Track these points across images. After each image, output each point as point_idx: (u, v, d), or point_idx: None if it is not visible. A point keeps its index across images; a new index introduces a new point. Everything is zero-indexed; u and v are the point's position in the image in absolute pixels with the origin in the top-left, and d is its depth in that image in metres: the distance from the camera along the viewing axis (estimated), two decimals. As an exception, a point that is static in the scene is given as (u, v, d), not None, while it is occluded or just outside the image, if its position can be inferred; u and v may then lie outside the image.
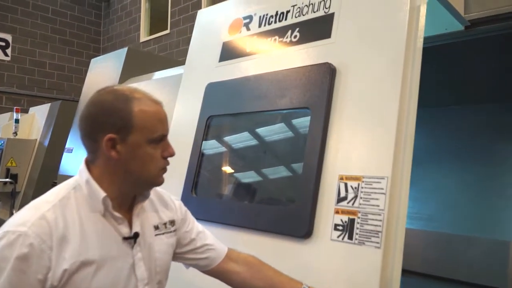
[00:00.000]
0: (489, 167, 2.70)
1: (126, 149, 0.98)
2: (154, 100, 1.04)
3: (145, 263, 1.04)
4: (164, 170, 1.05)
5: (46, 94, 9.77)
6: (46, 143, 4.87)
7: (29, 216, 0.91)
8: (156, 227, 1.12)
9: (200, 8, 8.14)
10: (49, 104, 5.27)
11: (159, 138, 1.02)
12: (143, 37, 9.71)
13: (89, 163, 1.04)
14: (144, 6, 9.75)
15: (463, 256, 2.59)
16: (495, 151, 2.71)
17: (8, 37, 9.49)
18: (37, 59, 9.93)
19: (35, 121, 5.44)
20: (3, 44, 9.38)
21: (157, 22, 9.47)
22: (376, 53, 1.41)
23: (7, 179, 4.71)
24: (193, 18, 8.70)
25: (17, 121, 5.23)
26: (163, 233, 1.13)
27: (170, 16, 8.86)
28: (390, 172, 1.25)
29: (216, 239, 1.29)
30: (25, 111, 6.27)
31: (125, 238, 1.01)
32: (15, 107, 5.41)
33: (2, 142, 5.02)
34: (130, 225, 1.05)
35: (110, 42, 10.74)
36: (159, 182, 1.05)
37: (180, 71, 2.63)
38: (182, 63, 3.43)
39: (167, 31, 8.91)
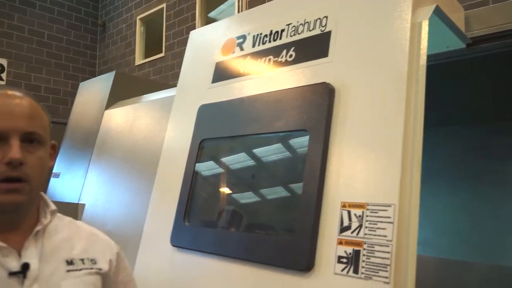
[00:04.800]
0: (484, 189, 2.60)
1: None
2: (2, 94, 0.85)
3: None
4: (2, 183, 0.80)
5: (41, 118, 9.70)
6: (37, 168, 4.74)
7: None
8: (70, 262, 0.91)
9: (195, 31, 8.17)
10: (41, 128, 5.18)
11: None
12: (138, 60, 9.71)
13: None
14: (139, 30, 9.80)
15: (461, 282, 2.46)
16: (488, 173, 2.62)
17: (4, 62, 9.51)
18: (33, 83, 9.88)
19: (27, 146, 5.33)
20: (-2, 68, 9.39)
21: (152, 45, 9.50)
22: (377, 72, 1.34)
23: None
24: (186, 42, 8.79)
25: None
26: (79, 270, 0.92)
27: (164, 39, 8.89)
28: (397, 199, 1.15)
29: None
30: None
31: (12, 274, 0.81)
32: None
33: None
34: None
35: (106, 65, 10.75)
36: None
37: (168, 93, 2.56)
38: (172, 86, 3.37)
39: (162, 54, 8.92)
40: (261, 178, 1.67)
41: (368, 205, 1.20)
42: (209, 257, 1.56)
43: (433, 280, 2.46)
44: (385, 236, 1.14)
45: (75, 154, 3.09)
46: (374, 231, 1.17)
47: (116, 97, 3.05)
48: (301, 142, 1.52)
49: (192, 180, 1.77)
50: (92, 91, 3.32)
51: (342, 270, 1.20)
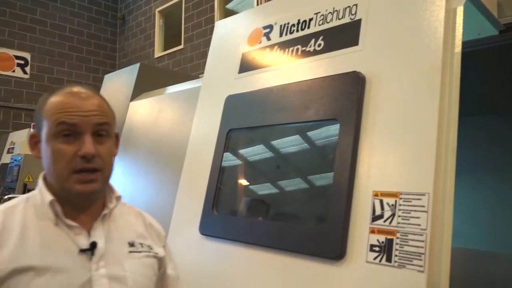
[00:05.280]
0: (511, 180, 2.55)
1: (41, 147, 0.92)
2: (73, 91, 0.93)
3: (111, 283, 0.90)
4: (78, 174, 0.88)
5: (63, 110, 9.90)
6: (63, 159, 4.87)
7: None
8: (131, 244, 0.99)
9: (213, 23, 8.19)
10: (66, 120, 5.30)
11: (61, 131, 0.88)
12: (158, 52, 9.80)
13: None
14: (158, 23, 9.87)
15: (489, 272, 2.44)
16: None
17: (27, 56, 9.74)
18: (55, 76, 10.10)
19: (52, 137, 5.47)
20: (22, 62, 9.63)
21: (171, 37, 9.56)
22: (410, 60, 1.32)
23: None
24: (206, 33, 8.75)
25: (34, 137, 5.26)
26: (139, 252, 0.99)
27: (183, 31, 8.94)
28: (431, 188, 1.14)
29: None
30: (43, 127, 6.31)
31: (82, 250, 0.90)
32: (32, 123, 5.46)
33: (19, 158, 5.05)
34: None
35: (126, 58, 10.88)
36: (71, 188, 0.88)
37: (193, 85, 2.58)
38: (195, 77, 3.39)
39: (181, 46, 8.97)
40: (289, 167, 1.68)
41: (401, 194, 1.20)
42: (238, 245, 1.58)
43: (461, 270, 2.45)
44: (419, 225, 1.14)
45: (101, 145, 3.16)
46: (408, 220, 1.16)
47: (141, 88, 3.10)
48: (330, 132, 1.52)
49: (219, 170, 1.79)
50: (117, 83, 3.37)
51: (375, 258, 1.20)
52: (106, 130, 0.94)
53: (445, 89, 1.23)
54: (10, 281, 0.82)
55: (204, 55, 8.78)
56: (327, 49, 1.58)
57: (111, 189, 1.02)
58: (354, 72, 1.42)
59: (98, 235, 0.93)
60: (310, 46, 1.65)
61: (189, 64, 8.69)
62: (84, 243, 0.91)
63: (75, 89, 0.94)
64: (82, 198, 0.92)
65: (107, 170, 0.95)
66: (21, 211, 0.91)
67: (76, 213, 0.93)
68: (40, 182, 0.94)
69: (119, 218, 1.01)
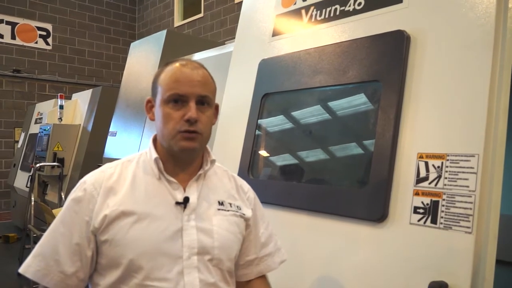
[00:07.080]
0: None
1: (155, 111, 1.05)
2: (184, 64, 1.05)
3: (199, 233, 1.01)
4: (182, 133, 1.00)
5: (86, 81, 9.98)
6: (90, 127, 4.97)
7: (95, 171, 1.05)
8: (221, 203, 1.09)
9: (234, -10, 7.98)
10: (91, 90, 5.35)
11: (172, 98, 1.01)
12: (177, 21, 9.68)
13: None
14: (177, -10, 9.69)
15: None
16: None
17: (49, 27, 9.78)
18: (77, 47, 10.13)
19: (78, 107, 5.57)
20: (44, 33, 9.69)
21: (190, 6, 9.40)
22: (459, 17, 1.26)
23: (55, 163, 4.86)
24: (226, 0, 8.52)
25: (61, 107, 5.37)
26: (227, 210, 1.09)
27: (204, -1, 8.77)
28: (482, 149, 1.11)
29: (275, 248, 1.19)
30: (68, 97, 6.42)
31: (177, 203, 1.02)
32: (59, 94, 5.54)
33: (48, 127, 5.17)
34: None
35: (145, 28, 10.81)
36: (176, 144, 1.01)
37: (221, 51, 2.55)
38: (221, 44, 3.34)
39: (201, 15, 8.83)
40: (328, 131, 1.66)
41: (448, 155, 1.17)
42: (277, 208, 1.60)
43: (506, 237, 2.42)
44: (467, 186, 1.12)
45: (131, 113, 3.19)
46: (455, 181, 1.14)
47: (167, 55, 3.08)
48: (371, 94, 1.48)
49: (254, 134, 1.79)
50: (144, 51, 3.36)
51: (419, 220, 1.19)
52: (207, 100, 1.04)
53: (498, 47, 1.17)
54: (118, 222, 0.97)
55: (225, 23, 8.62)
56: (368, 7, 1.53)
57: (208, 153, 1.11)
58: (399, 31, 1.36)
59: (192, 191, 1.05)
60: (350, 6, 1.59)
61: (209, 32, 8.58)
62: (180, 197, 1.03)
63: (184, 62, 1.06)
64: (184, 154, 1.04)
65: (206, 135, 1.04)
66: (134, 165, 1.07)
67: (176, 171, 1.06)
68: (150, 143, 1.09)
69: (212, 179, 1.11)
